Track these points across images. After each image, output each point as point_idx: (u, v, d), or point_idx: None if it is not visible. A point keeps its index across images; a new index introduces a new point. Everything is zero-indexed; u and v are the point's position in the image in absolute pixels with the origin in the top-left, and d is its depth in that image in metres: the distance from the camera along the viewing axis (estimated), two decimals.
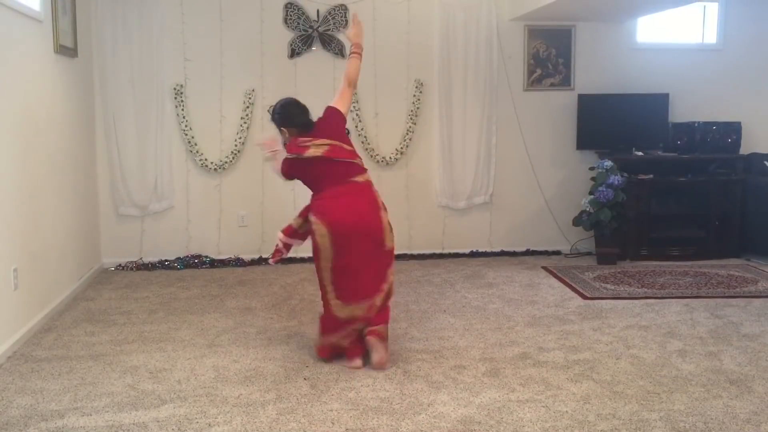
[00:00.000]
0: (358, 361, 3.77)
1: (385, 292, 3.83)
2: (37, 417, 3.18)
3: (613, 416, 3.18)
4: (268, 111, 4.11)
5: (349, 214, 3.73)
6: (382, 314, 3.84)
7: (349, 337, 3.81)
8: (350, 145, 3.93)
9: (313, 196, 3.90)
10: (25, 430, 3.06)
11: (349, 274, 3.74)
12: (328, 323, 3.85)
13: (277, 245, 4.01)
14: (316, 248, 3.79)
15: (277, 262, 4.29)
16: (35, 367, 3.80)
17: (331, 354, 3.87)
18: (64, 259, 5.11)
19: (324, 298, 3.85)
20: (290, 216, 6.31)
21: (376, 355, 3.74)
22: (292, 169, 3.91)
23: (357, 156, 3.92)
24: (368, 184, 3.88)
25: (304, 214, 3.93)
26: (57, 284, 4.92)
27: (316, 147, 3.81)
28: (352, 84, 4.14)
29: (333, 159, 3.80)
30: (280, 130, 3.98)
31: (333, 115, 3.97)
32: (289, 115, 3.94)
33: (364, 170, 3.91)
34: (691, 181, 6.58)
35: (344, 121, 4.00)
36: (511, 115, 6.67)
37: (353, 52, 4.18)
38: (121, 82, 6.07)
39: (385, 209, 3.88)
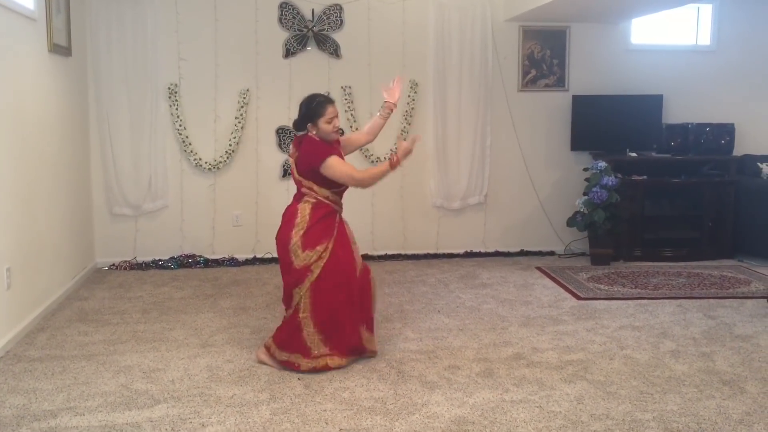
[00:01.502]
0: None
1: (292, 308, 3.82)
2: (30, 417, 3.17)
3: (606, 416, 3.19)
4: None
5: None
6: (278, 329, 3.89)
7: None
8: (302, 173, 3.81)
9: None
10: (17, 430, 3.05)
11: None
12: None
13: None
14: None
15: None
16: (28, 366, 3.78)
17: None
18: (58, 258, 5.09)
19: None
20: None
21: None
22: None
23: (301, 185, 3.83)
24: (296, 202, 3.84)
25: None
26: (50, 284, 4.90)
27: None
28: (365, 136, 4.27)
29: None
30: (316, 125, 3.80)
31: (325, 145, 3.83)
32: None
33: (301, 195, 3.83)
34: (684, 183, 6.60)
35: (320, 156, 3.73)
36: (505, 115, 6.68)
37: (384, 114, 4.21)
38: (116, 81, 6.05)
39: (303, 229, 3.74)
